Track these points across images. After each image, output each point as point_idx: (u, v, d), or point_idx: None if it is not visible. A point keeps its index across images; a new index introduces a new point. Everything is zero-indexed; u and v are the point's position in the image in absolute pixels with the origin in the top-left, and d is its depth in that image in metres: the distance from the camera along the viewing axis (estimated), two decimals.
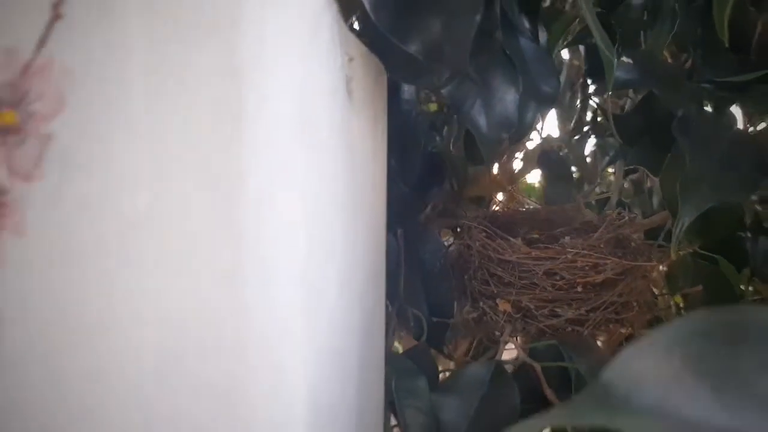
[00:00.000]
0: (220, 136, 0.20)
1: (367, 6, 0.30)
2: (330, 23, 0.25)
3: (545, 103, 0.44)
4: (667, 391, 0.12)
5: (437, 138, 0.66)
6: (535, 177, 1.01)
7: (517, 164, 0.97)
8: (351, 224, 0.30)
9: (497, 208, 0.67)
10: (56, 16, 0.20)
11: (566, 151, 0.94)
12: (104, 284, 0.22)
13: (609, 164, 0.90)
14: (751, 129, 0.57)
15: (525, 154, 0.97)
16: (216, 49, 0.19)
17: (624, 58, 0.48)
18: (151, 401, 0.22)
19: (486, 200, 0.73)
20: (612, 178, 1.07)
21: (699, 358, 0.12)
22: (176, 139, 0.20)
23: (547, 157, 0.76)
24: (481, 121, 0.41)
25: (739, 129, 0.51)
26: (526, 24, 0.44)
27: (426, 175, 0.54)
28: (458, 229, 0.64)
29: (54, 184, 0.21)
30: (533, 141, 0.95)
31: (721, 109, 0.54)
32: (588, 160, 1.02)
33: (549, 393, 0.41)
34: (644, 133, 0.48)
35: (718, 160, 0.39)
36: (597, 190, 0.96)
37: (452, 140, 0.68)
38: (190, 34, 0.19)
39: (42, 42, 0.21)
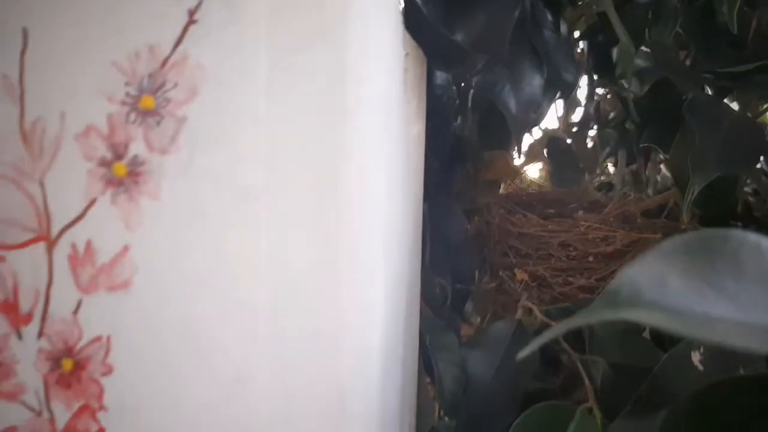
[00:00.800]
0: (328, 122, 0.25)
1: (419, 1, 0.34)
2: (399, 25, 0.30)
3: (567, 89, 0.50)
4: (660, 291, 0.17)
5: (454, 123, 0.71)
6: (534, 171, 1.06)
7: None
8: (405, 196, 0.35)
9: (510, 190, 0.72)
10: (191, 21, 0.25)
11: (570, 141, 0.99)
12: (224, 243, 0.26)
13: (609, 155, 0.95)
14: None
15: (530, 145, 1.02)
16: (327, 52, 0.24)
17: (643, 48, 0.53)
18: (263, 336, 0.27)
19: (498, 184, 0.78)
20: (610, 168, 1.12)
21: (683, 267, 0.17)
22: (290, 124, 0.25)
23: (555, 145, 0.81)
24: (511, 103, 0.46)
25: (738, 111, 0.56)
26: (549, 17, 0.49)
27: (450, 157, 0.59)
28: (472, 210, 0.69)
29: (185, 158, 0.26)
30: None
31: (722, 96, 0.60)
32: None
33: (566, 347, 0.46)
34: (655, 116, 0.53)
35: (722, 137, 0.44)
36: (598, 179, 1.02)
37: (466, 126, 0.73)
38: (305, 39, 0.24)
39: (178, 42, 0.25)
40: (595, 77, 0.79)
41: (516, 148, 0.59)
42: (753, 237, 0.19)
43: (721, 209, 0.53)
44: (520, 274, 0.58)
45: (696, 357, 0.33)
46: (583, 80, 0.91)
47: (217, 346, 0.27)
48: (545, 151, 0.80)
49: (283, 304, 0.27)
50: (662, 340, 0.47)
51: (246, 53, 0.25)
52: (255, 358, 0.27)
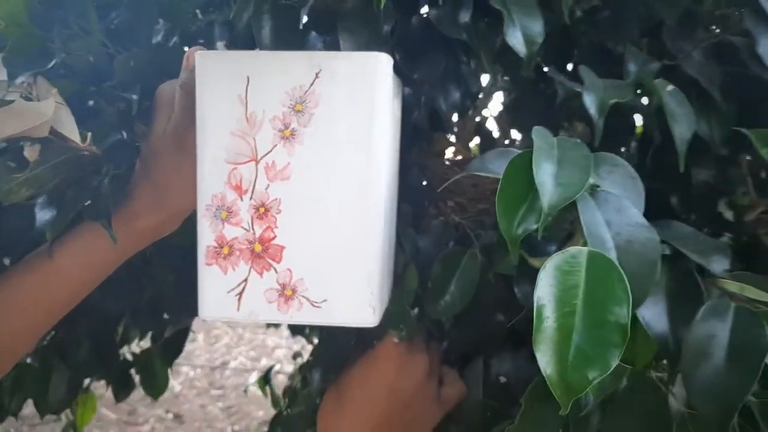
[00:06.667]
0: (368, 127, 0.67)
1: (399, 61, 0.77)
2: (394, 77, 0.73)
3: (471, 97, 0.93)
4: (539, 166, 0.60)
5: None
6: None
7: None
8: (395, 162, 0.78)
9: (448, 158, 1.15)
10: (317, 76, 0.67)
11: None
12: (325, 162, 0.68)
13: None
14: None
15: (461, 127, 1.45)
16: (364, 101, 0.67)
17: None
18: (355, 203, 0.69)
19: (441, 154, 1.22)
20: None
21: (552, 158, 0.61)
22: (355, 125, 0.67)
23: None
24: (442, 105, 0.89)
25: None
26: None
27: (411, 137, 1.01)
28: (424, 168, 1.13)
29: (316, 129, 0.68)
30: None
31: None
32: None
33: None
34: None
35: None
36: None
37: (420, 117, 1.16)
38: (355, 92, 0.66)
39: (312, 84, 0.67)
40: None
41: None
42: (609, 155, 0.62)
43: None
44: (450, 203, 1.01)
45: None
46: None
47: (328, 201, 0.69)
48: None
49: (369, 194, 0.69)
50: None
51: (341, 92, 0.67)
52: (350, 205, 0.69)
